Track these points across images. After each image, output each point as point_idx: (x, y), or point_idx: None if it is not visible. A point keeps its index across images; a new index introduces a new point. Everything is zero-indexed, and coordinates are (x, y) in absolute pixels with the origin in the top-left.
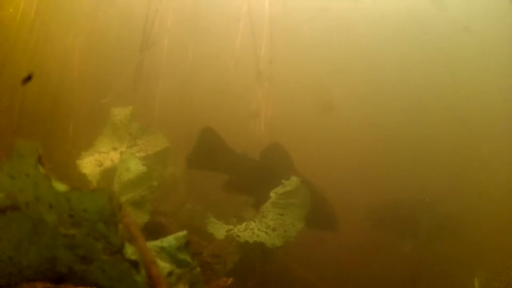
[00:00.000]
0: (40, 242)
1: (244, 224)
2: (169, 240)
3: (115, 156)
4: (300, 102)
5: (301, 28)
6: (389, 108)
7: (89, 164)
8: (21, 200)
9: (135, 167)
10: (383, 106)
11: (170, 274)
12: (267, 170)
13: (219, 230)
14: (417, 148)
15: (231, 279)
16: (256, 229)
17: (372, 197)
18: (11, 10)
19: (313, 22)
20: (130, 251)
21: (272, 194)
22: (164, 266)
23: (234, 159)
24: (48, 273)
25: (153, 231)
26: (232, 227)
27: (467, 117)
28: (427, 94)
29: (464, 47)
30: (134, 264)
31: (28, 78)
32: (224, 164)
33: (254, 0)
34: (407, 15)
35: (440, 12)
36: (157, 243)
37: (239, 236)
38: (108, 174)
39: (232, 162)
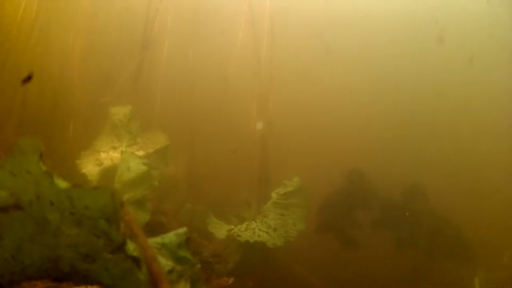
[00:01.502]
0: (43, 241)
1: (245, 224)
2: (170, 237)
3: (114, 155)
4: (300, 101)
5: (302, 27)
6: (387, 109)
7: (89, 164)
8: (24, 199)
9: (136, 166)
10: (381, 106)
11: (171, 271)
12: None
13: (220, 229)
14: (416, 147)
15: (232, 278)
16: (257, 229)
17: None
18: (11, 9)
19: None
20: (131, 248)
21: (274, 194)
22: (165, 263)
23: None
24: (51, 272)
25: (154, 230)
26: (233, 226)
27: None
28: (425, 94)
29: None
30: (136, 261)
31: (28, 78)
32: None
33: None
34: (415, 14)
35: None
36: (157, 240)
37: (240, 236)
38: (108, 173)
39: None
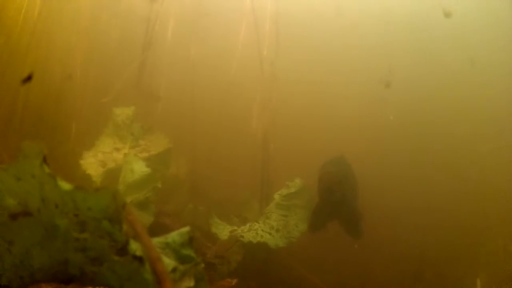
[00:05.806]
0: (52, 246)
1: (248, 225)
2: (173, 236)
3: (118, 156)
4: (302, 101)
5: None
6: (387, 110)
7: (93, 165)
8: (32, 206)
9: (140, 168)
10: (381, 107)
11: (174, 270)
12: None
13: (222, 230)
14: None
15: (235, 280)
16: (260, 230)
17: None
18: (13, 11)
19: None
20: (134, 247)
21: (276, 196)
22: (168, 262)
23: None
24: (59, 275)
25: (158, 232)
26: (236, 227)
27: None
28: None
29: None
30: (139, 260)
31: (28, 78)
32: None
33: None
34: (415, 17)
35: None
36: (161, 239)
37: (242, 237)
38: (112, 174)
39: None
